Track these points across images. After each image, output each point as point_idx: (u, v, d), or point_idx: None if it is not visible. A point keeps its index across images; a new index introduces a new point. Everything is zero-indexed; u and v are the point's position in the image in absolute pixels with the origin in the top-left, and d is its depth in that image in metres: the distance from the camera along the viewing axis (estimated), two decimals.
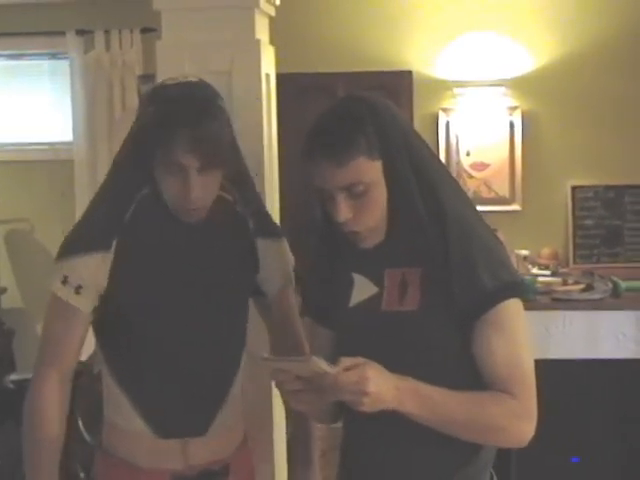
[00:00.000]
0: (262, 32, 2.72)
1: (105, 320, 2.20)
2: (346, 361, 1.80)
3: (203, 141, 2.04)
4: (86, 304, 2.16)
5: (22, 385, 5.33)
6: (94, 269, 2.14)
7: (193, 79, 2.18)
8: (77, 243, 2.18)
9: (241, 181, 2.29)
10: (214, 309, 2.21)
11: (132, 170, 2.17)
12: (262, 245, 2.31)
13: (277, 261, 2.36)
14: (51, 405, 2.17)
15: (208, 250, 2.21)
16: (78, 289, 2.15)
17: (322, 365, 1.78)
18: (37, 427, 2.18)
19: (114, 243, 2.15)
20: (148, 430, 2.20)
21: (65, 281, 2.15)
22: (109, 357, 2.24)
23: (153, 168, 2.12)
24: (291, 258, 2.43)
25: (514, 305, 1.94)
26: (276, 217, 2.77)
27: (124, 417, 2.22)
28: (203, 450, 2.23)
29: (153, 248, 2.18)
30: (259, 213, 2.34)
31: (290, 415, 2.46)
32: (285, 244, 2.41)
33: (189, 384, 2.20)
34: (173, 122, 2.05)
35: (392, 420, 1.86)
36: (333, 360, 1.83)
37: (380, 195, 1.93)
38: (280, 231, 2.41)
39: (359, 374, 1.78)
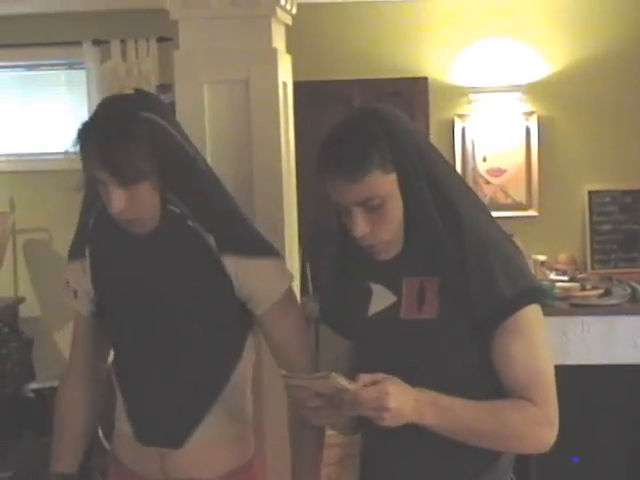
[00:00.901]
0: (279, 41, 2.74)
1: (105, 322, 2.33)
2: (365, 377, 1.80)
3: (111, 156, 2.03)
4: (83, 307, 2.32)
5: (42, 394, 5.36)
6: (78, 275, 2.29)
7: (129, 91, 2.20)
8: (69, 250, 2.34)
9: (188, 195, 2.20)
10: (171, 321, 2.20)
11: (87, 183, 2.23)
12: (232, 262, 2.19)
13: (258, 279, 2.23)
14: (66, 398, 2.38)
15: (155, 262, 2.20)
16: (75, 293, 2.32)
17: (341, 381, 1.77)
18: (56, 418, 2.39)
19: (87, 251, 2.27)
20: (131, 434, 2.27)
21: (67, 285, 2.33)
22: (114, 359, 2.35)
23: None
24: (285, 275, 2.31)
25: (533, 311, 1.93)
26: (294, 225, 2.77)
27: (119, 419, 2.33)
28: (180, 464, 2.25)
29: (108, 258, 2.25)
30: (223, 229, 2.22)
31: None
32: (272, 261, 2.27)
33: (166, 394, 2.22)
34: (85, 139, 2.08)
35: (411, 430, 1.86)
36: (353, 370, 1.83)
37: (396, 207, 1.93)
38: (263, 249, 2.26)
39: (379, 390, 1.78)
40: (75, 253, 2.30)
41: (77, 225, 2.34)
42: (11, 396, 5.45)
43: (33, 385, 5.55)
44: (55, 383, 5.33)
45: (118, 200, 2.07)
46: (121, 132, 2.04)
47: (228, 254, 2.20)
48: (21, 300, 6.22)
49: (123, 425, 2.30)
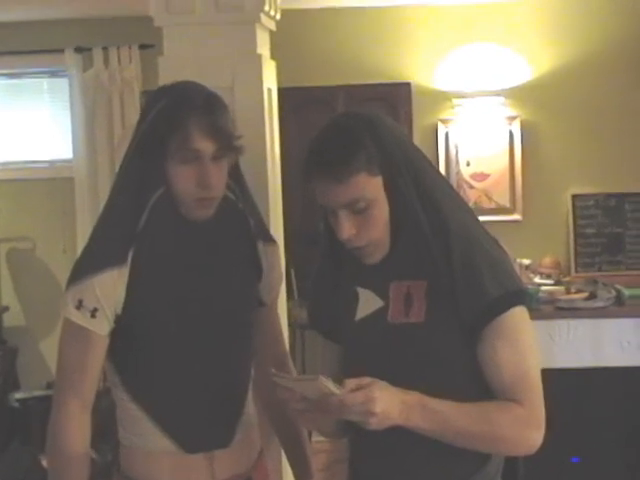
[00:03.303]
0: (263, 47, 2.73)
1: (122, 338, 2.14)
2: (351, 383, 1.80)
3: (218, 126, 2.07)
4: (103, 327, 2.11)
5: (27, 404, 5.34)
6: (110, 286, 2.09)
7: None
8: (90, 263, 2.12)
9: (239, 176, 2.28)
10: (226, 314, 2.18)
11: (143, 173, 2.12)
12: (262, 249, 2.29)
13: (275, 267, 2.35)
14: (73, 433, 2.13)
15: (218, 252, 2.19)
16: (94, 312, 2.09)
17: (329, 385, 1.78)
18: (64, 460, 2.14)
19: (130, 255, 2.10)
20: (174, 447, 2.16)
21: (80, 305, 2.09)
22: (126, 377, 2.18)
23: (166, 162, 2.09)
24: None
25: (520, 313, 1.94)
26: (280, 230, 2.77)
27: (145, 437, 2.17)
28: (228, 463, 2.21)
29: (166, 256, 2.14)
30: (257, 213, 2.32)
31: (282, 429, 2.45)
32: (280, 250, 2.42)
33: (209, 395, 2.17)
34: (187, 109, 2.06)
35: (399, 434, 1.86)
36: (342, 374, 1.83)
37: (382, 210, 1.94)
38: (273, 237, 2.38)
39: (365, 395, 1.79)
40: (107, 262, 2.09)
41: (106, 231, 2.15)
42: None
43: (18, 395, 5.53)
44: (40, 392, 5.34)
45: (215, 172, 2.08)
46: (222, 105, 2.12)
47: (259, 240, 2.27)
48: (5, 309, 6.20)
49: (152, 442, 2.17)
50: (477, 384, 1.93)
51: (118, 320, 2.12)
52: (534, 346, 1.96)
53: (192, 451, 2.17)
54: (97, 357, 2.13)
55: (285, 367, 2.33)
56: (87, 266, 2.12)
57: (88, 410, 2.15)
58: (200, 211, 2.13)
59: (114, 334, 2.14)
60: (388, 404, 1.80)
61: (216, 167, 2.09)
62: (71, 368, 2.15)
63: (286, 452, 2.48)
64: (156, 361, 2.15)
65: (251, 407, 2.30)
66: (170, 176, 2.10)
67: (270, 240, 2.34)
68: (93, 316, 2.10)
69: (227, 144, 2.09)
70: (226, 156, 2.11)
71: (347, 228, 1.92)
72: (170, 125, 2.06)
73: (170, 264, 2.14)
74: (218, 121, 2.07)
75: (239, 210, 2.25)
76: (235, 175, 2.24)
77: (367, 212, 1.92)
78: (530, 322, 1.97)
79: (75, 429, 2.13)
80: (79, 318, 2.10)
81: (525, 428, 1.90)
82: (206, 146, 2.06)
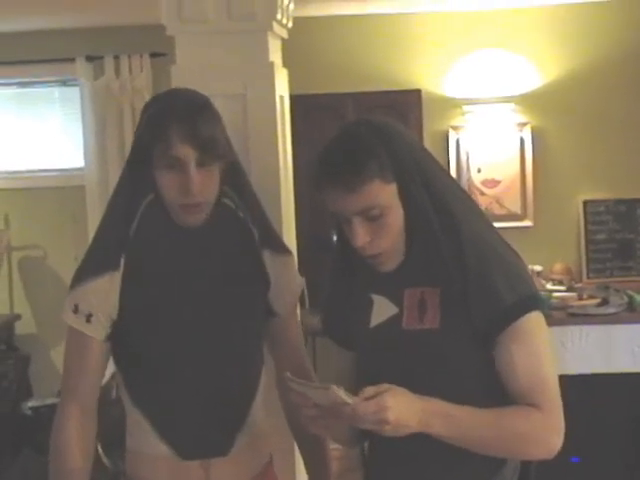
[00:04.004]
0: (275, 54, 2.73)
1: (121, 343, 2.17)
2: (367, 391, 1.80)
3: (199, 133, 2.05)
4: (98, 331, 2.15)
5: (39, 411, 5.34)
6: (104, 292, 2.13)
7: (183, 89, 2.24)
8: (86, 269, 2.17)
9: (239, 184, 2.26)
10: (219, 320, 2.17)
11: (134, 180, 2.16)
12: (270, 258, 2.26)
13: (287, 278, 2.31)
14: (73, 439, 2.15)
15: (211, 258, 2.19)
16: (89, 317, 2.14)
17: (341, 395, 1.77)
18: (60, 461, 2.16)
19: (122, 260, 2.14)
20: (170, 453, 2.17)
21: (76, 310, 2.14)
22: (128, 382, 2.22)
23: (153, 170, 2.11)
24: (300, 278, 2.40)
25: (535, 318, 1.93)
26: (292, 237, 2.77)
27: (146, 441, 2.19)
28: (226, 471, 2.19)
29: (157, 261, 2.16)
30: (263, 223, 2.29)
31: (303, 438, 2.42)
32: (294, 261, 2.38)
33: (207, 403, 2.17)
34: (168, 117, 2.06)
35: (415, 440, 1.86)
36: (356, 381, 1.82)
37: (396, 217, 1.93)
38: (286, 246, 2.36)
39: (377, 404, 1.78)
40: (100, 268, 2.14)
41: (101, 238, 2.20)
42: (8, 414, 5.44)
43: (31, 403, 5.53)
44: (53, 400, 5.34)
45: (197, 180, 2.06)
46: (205, 112, 2.10)
47: (266, 249, 2.25)
48: (17, 317, 6.21)
49: (152, 447, 2.18)
50: (492, 390, 1.92)
51: (115, 325, 2.15)
52: (550, 351, 1.96)
53: (187, 458, 2.18)
54: (95, 361, 2.17)
55: (307, 379, 2.31)
56: (83, 272, 2.17)
57: (88, 414, 2.18)
58: (188, 217, 2.13)
59: (114, 339, 2.17)
60: (403, 412, 1.80)
61: (201, 174, 2.08)
62: (71, 372, 2.19)
63: (306, 461, 2.43)
64: (151, 365, 2.17)
65: (259, 415, 2.27)
66: (156, 183, 2.12)
67: (280, 250, 2.31)
68: (88, 321, 2.14)
69: (210, 151, 2.08)
70: (212, 163, 2.09)
71: (361, 235, 1.92)
72: (153, 133, 2.08)
73: (161, 269, 2.16)
74: (200, 128, 2.06)
75: (238, 218, 2.23)
76: (233, 183, 2.23)
77: (381, 219, 1.91)
78: (546, 328, 1.96)
79: (73, 431, 2.15)
80: (76, 323, 2.15)
81: (544, 432, 1.90)
82: (186, 153, 2.05)
